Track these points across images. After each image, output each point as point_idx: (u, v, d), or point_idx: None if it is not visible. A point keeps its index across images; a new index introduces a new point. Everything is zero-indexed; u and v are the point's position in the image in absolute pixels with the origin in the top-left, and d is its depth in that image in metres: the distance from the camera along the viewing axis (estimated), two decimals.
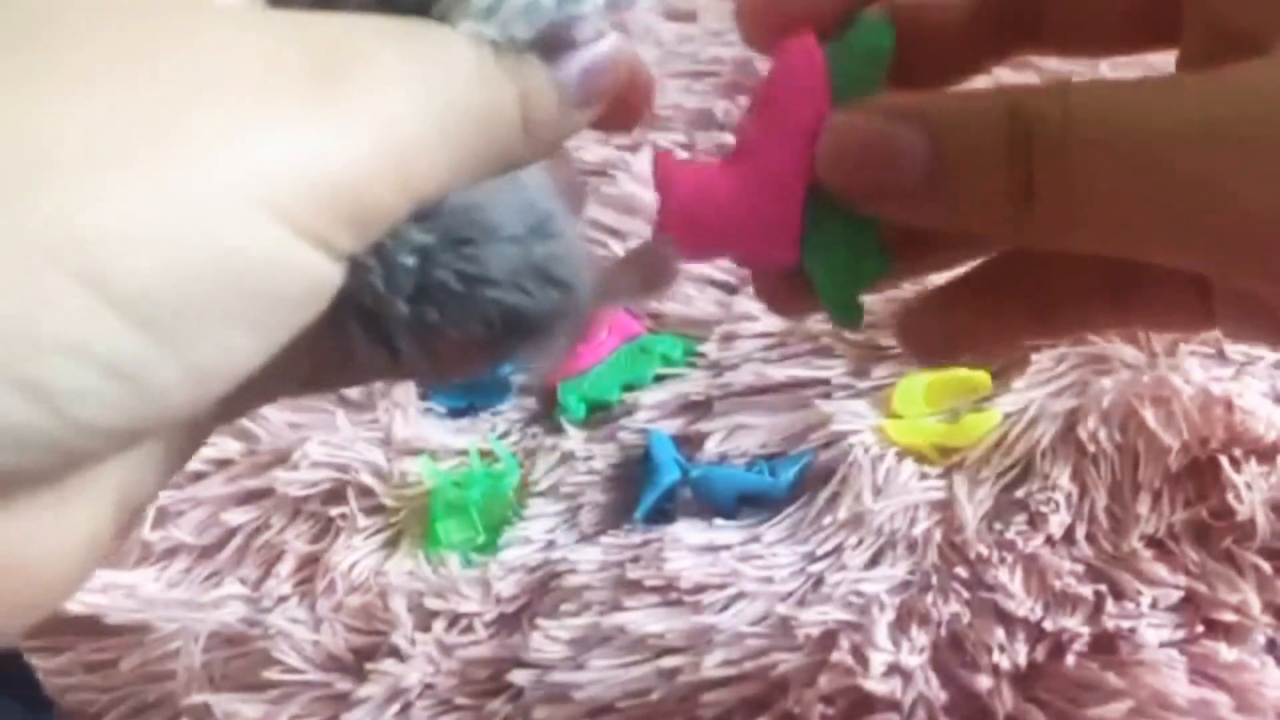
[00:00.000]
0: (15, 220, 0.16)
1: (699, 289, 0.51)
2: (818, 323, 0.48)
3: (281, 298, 0.18)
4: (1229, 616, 0.37)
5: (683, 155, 0.59)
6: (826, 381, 0.47)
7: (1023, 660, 0.37)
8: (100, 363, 0.17)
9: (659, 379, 0.49)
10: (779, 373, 0.47)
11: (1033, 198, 0.21)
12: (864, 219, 0.25)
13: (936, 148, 0.22)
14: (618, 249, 0.53)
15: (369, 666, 0.41)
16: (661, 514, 0.44)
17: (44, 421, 0.17)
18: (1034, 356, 0.44)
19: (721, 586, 0.40)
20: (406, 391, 0.51)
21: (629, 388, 0.49)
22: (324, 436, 0.48)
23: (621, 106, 0.23)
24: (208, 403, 0.18)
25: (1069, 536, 0.39)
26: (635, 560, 0.42)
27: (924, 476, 0.42)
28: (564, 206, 0.25)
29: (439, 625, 0.42)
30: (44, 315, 0.16)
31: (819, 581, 0.40)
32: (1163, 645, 0.36)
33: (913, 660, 0.37)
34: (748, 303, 0.50)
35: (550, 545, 0.45)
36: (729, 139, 0.58)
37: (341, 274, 0.19)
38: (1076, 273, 0.27)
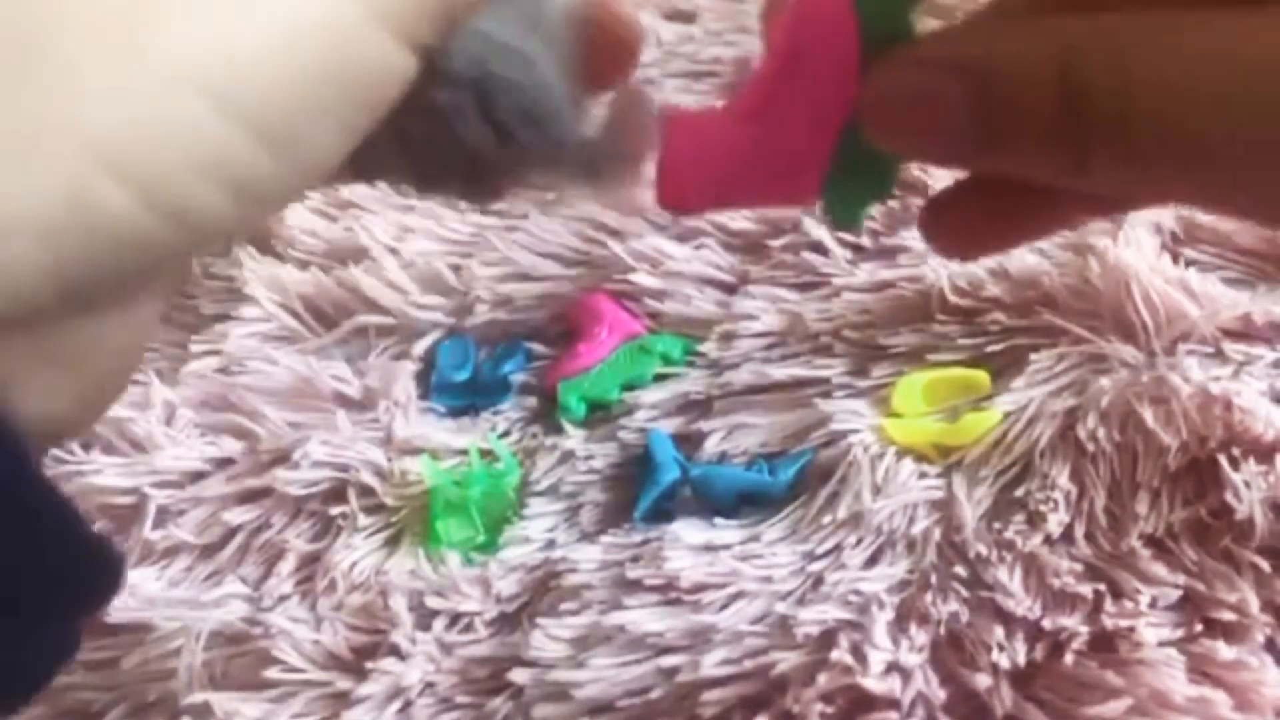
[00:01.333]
0: (140, 50, 0.18)
1: (699, 289, 0.52)
2: (817, 322, 0.48)
3: (372, 93, 0.20)
4: (1228, 615, 0.37)
5: None
6: (826, 381, 0.47)
7: (1022, 659, 0.37)
8: (225, 176, 0.19)
9: (659, 378, 0.49)
10: (779, 372, 0.47)
11: (1088, 161, 0.21)
12: (891, 160, 0.25)
13: (984, 103, 0.21)
14: (618, 249, 0.53)
15: (369, 665, 0.42)
16: (661, 513, 0.44)
17: (168, 234, 0.19)
18: (1033, 356, 0.44)
19: (721, 586, 0.41)
20: (407, 392, 0.51)
21: (629, 387, 0.49)
22: (324, 436, 0.49)
23: (606, 54, 0.24)
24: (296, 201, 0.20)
25: (1068, 535, 0.40)
26: (635, 559, 0.42)
27: (923, 475, 0.42)
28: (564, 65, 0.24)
29: (439, 624, 0.42)
30: (176, 135, 0.18)
31: (818, 580, 0.40)
32: (1162, 644, 0.36)
33: (912, 659, 0.37)
34: (748, 302, 0.50)
35: (550, 544, 0.45)
36: None
37: (415, 67, 0.21)
38: None
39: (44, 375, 0.20)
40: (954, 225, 0.27)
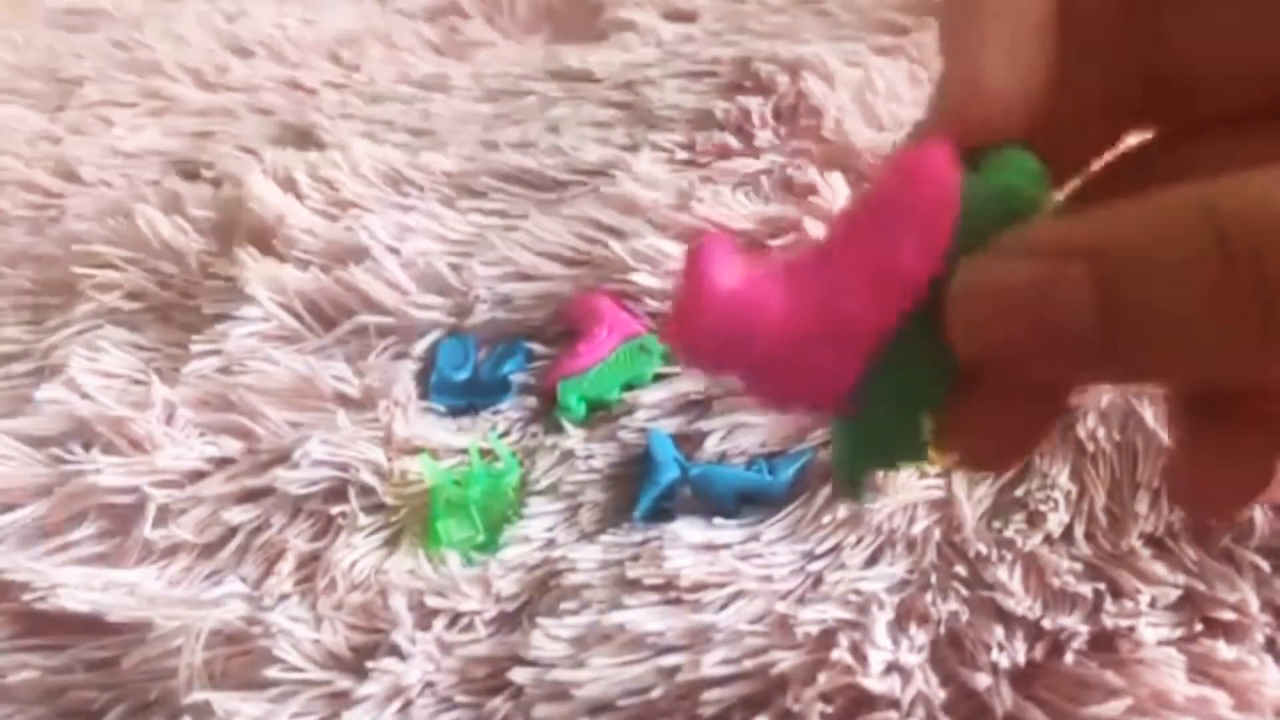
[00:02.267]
0: None
1: None
2: None
3: None
4: (1228, 615, 0.37)
5: (683, 155, 0.59)
6: None
7: (1021, 658, 0.37)
8: None
9: (659, 378, 0.49)
10: None
11: (1270, 334, 0.16)
12: (923, 402, 0.21)
13: (1108, 292, 0.17)
14: (618, 249, 0.53)
15: (369, 665, 0.41)
16: (661, 512, 0.44)
17: None
18: None
19: (721, 585, 0.41)
20: (407, 392, 0.51)
21: (629, 387, 0.49)
22: (324, 435, 0.49)
23: None
24: None
25: (1068, 535, 0.40)
26: (635, 559, 0.42)
27: (923, 475, 0.42)
28: None
29: (439, 624, 0.42)
30: None
31: (818, 580, 0.40)
32: (1161, 643, 0.36)
33: (912, 658, 0.37)
34: None
35: (550, 544, 0.45)
36: (729, 139, 0.58)
37: None
38: None
39: None
40: (978, 429, 0.22)
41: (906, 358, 0.20)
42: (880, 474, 0.23)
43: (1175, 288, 0.16)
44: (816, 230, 0.52)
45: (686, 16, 0.70)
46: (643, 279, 0.52)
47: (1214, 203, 0.16)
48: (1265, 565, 0.38)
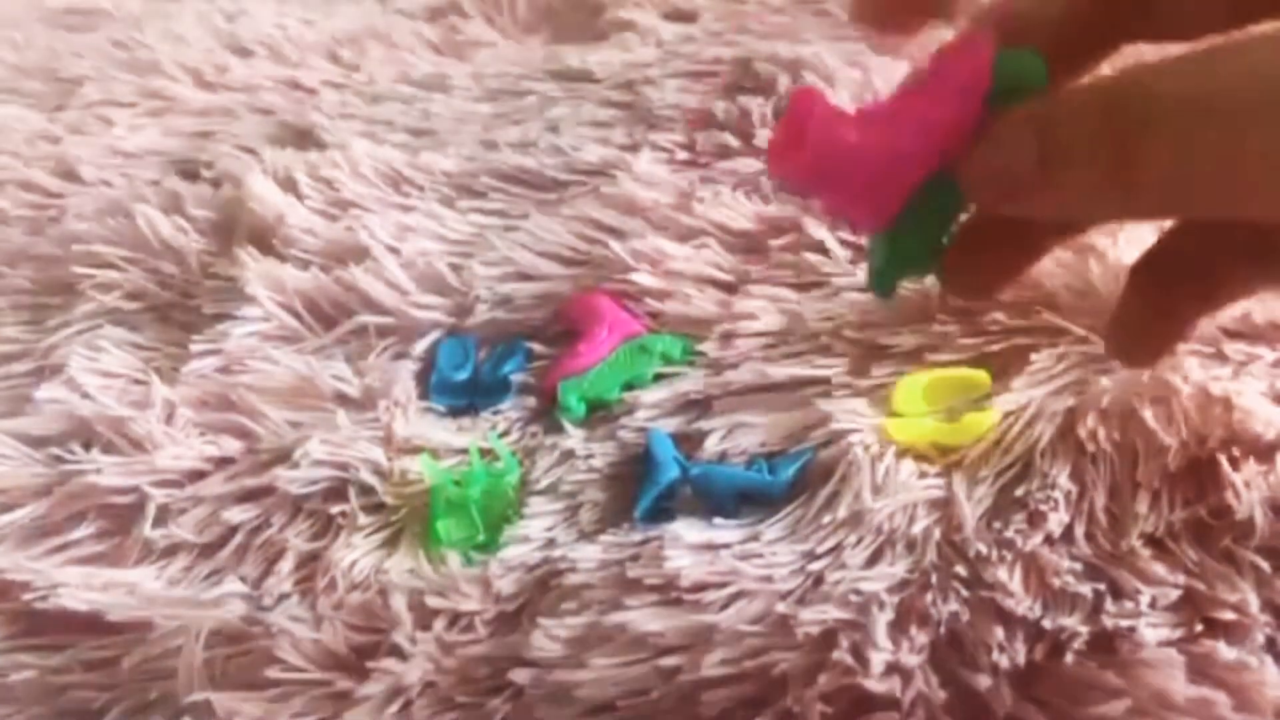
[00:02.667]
0: None
1: (699, 289, 0.52)
2: (817, 322, 0.48)
3: None
4: (1228, 615, 0.37)
5: (683, 155, 0.59)
6: (826, 380, 0.47)
7: (1022, 659, 0.37)
8: None
9: (659, 378, 0.49)
10: (779, 372, 0.47)
11: (1133, 182, 0.24)
12: (942, 229, 0.28)
13: (1042, 145, 0.25)
14: (618, 249, 0.53)
15: (369, 665, 0.41)
16: (661, 512, 0.44)
17: None
18: (1033, 356, 0.44)
19: (721, 585, 0.41)
20: (407, 391, 0.51)
21: (629, 387, 0.49)
22: (324, 435, 0.49)
23: None
24: None
25: (1068, 535, 0.40)
26: (635, 559, 0.42)
27: (923, 475, 0.42)
28: None
29: (439, 624, 0.42)
30: None
31: (818, 580, 0.40)
32: (1162, 644, 0.36)
33: (912, 659, 0.37)
34: (748, 302, 0.50)
35: (550, 544, 0.45)
36: (729, 139, 0.58)
37: None
38: (1231, 250, 0.30)
39: None
40: (972, 266, 0.31)
41: (937, 193, 0.27)
42: (903, 280, 0.31)
43: (1078, 148, 0.24)
44: (816, 230, 0.52)
45: (686, 16, 0.70)
46: (643, 279, 0.52)
47: (1109, 96, 0.24)
48: (1265, 565, 0.38)
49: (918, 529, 0.41)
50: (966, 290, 0.33)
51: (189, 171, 0.66)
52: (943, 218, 0.29)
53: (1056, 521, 0.40)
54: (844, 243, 0.51)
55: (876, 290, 0.31)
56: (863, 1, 0.29)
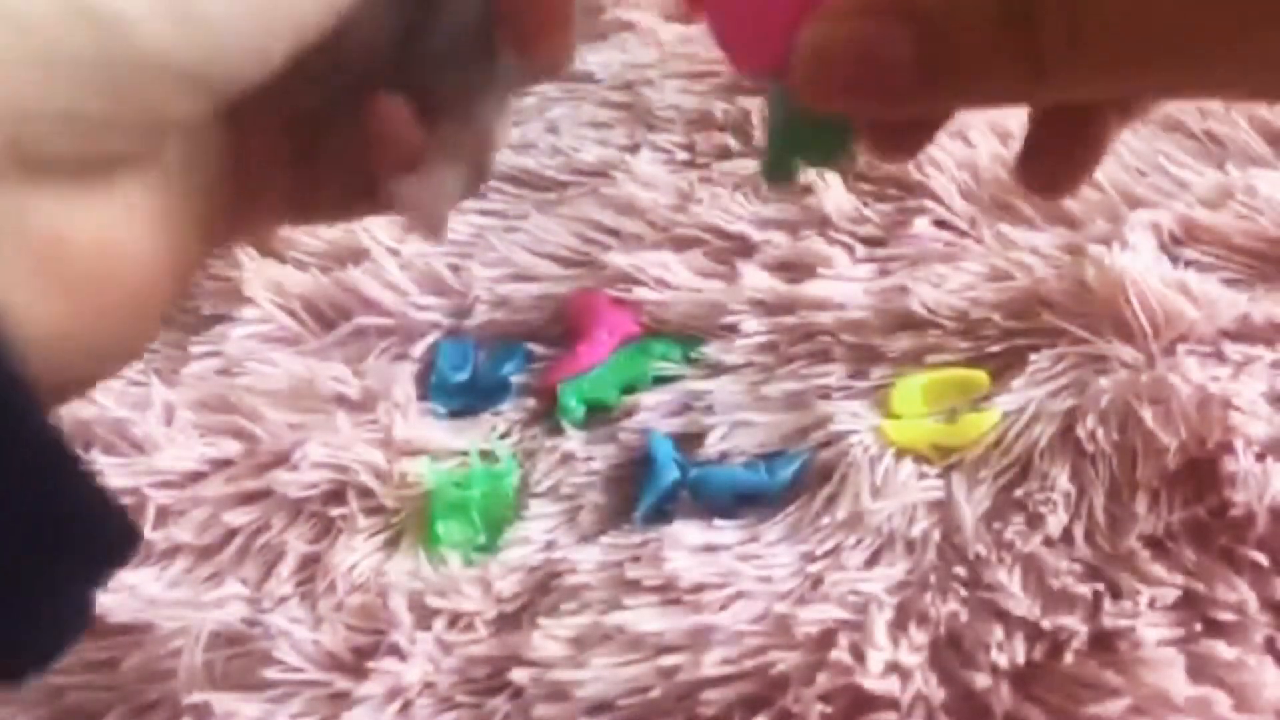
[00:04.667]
0: None
1: (698, 291, 0.52)
2: (816, 323, 0.48)
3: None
4: (1227, 615, 0.37)
5: (682, 156, 0.59)
6: (825, 382, 0.47)
7: (1021, 659, 0.37)
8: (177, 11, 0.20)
9: (659, 379, 0.49)
10: (778, 373, 0.47)
11: (1045, 77, 0.21)
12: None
13: (931, 44, 0.21)
14: (618, 250, 0.53)
15: (369, 665, 0.41)
16: (661, 514, 0.44)
17: (118, 77, 0.19)
18: (1032, 357, 0.44)
19: (720, 586, 0.41)
20: (406, 393, 0.51)
21: (628, 389, 0.49)
22: (324, 437, 0.49)
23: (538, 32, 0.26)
24: (265, 72, 0.21)
25: (1067, 536, 0.40)
26: (635, 560, 0.42)
27: (922, 476, 0.42)
28: None
29: (439, 624, 0.42)
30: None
31: (818, 581, 0.40)
32: (1161, 644, 0.36)
33: (911, 659, 0.37)
34: (746, 304, 0.50)
35: (550, 545, 0.45)
36: (729, 140, 0.58)
37: None
38: None
39: (18, 265, 0.19)
40: (1046, 167, 0.28)
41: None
42: (802, 160, 0.25)
43: (969, 39, 0.21)
44: (818, 232, 0.52)
45: (687, 17, 0.70)
46: (642, 281, 0.52)
47: None
48: (1265, 565, 0.38)
49: (917, 530, 0.41)
50: (1045, 191, 0.30)
51: None
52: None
53: (1056, 522, 0.40)
54: (844, 245, 0.51)
55: (769, 172, 0.26)
56: None
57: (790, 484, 0.44)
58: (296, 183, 0.27)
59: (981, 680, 0.36)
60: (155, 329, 0.23)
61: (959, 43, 0.21)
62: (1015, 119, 0.50)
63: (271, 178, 0.26)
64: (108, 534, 0.21)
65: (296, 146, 0.27)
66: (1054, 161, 0.28)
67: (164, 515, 0.48)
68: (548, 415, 0.50)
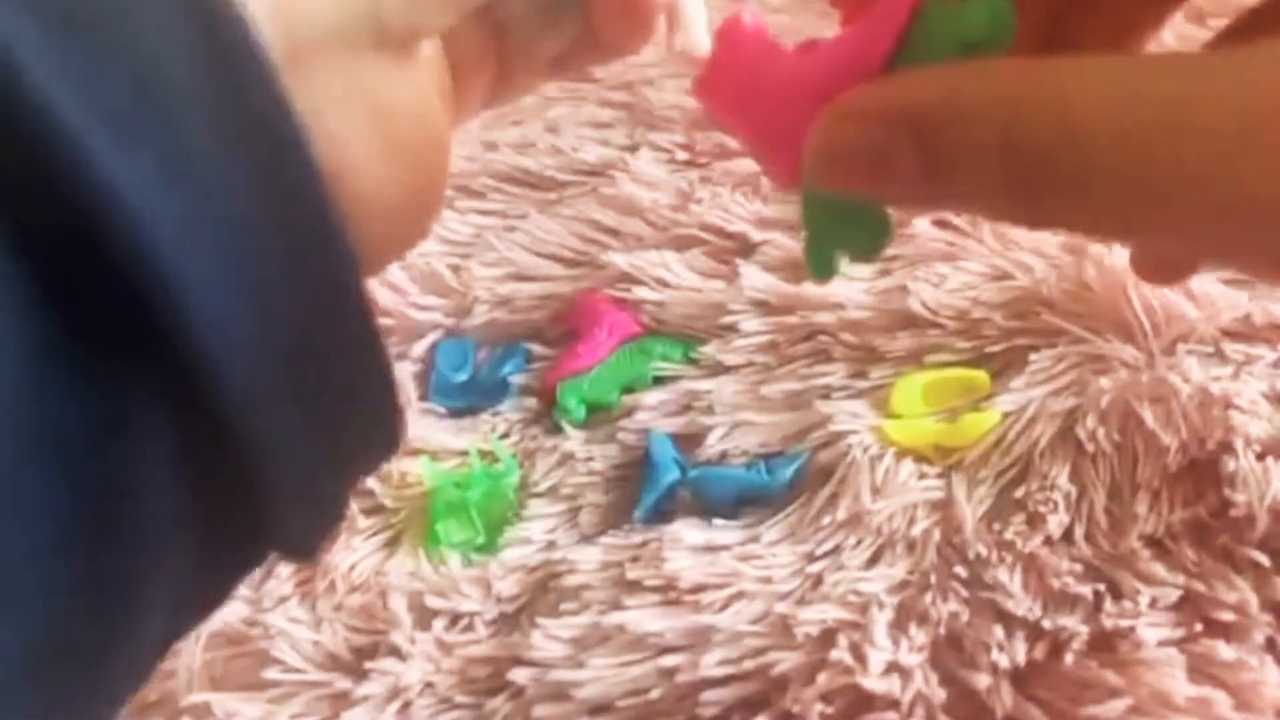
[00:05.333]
0: None
1: (698, 291, 0.52)
2: (816, 323, 0.48)
3: None
4: (1228, 615, 0.37)
5: (682, 155, 0.59)
6: (825, 382, 0.47)
7: (1021, 659, 0.37)
8: None
9: (659, 379, 0.49)
10: (778, 373, 0.47)
11: (1044, 211, 0.21)
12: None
13: (933, 158, 0.21)
14: (618, 250, 0.53)
15: (369, 665, 0.41)
16: (661, 514, 0.44)
17: None
18: (1032, 356, 0.44)
19: (721, 586, 0.41)
20: (406, 393, 0.51)
21: (628, 389, 0.49)
22: None
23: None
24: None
25: (1068, 536, 0.40)
26: (635, 560, 0.42)
27: (923, 476, 0.42)
28: None
29: (439, 624, 0.42)
30: None
31: (818, 581, 0.40)
32: (1161, 644, 0.36)
33: (911, 659, 0.37)
34: (746, 303, 0.50)
35: (550, 545, 0.45)
36: (729, 140, 0.58)
37: None
38: None
39: (360, 127, 0.21)
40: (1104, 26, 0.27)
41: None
42: (843, 254, 0.25)
43: (972, 167, 0.21)
44: None
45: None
46: (642, 280, 0.52)
47: (1013, 94, 0.20)
48: (1266, 565, 0.38)
49: (917, 530, 0.41)
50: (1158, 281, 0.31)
51: None
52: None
53: (1056, 522, 0.40)
54: None
55: (814, 267, 0.26)
56: None
57: (790, 484, 0.44)
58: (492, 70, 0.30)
59: (982, 680, 0.36)
60: (442, 204, 0.25)
61: (959, 160, 0.21)
62: None
63: (480, 62, 0.29)
64: (395, 426, 0.23)
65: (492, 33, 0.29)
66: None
67: None
68: (548, 415, 0.50)
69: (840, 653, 0.37)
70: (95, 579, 0.19)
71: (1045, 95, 0.20)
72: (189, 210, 0.18)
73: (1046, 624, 0.37)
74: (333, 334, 0.20)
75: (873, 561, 0.41)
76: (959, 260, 0.49)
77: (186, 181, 0.18)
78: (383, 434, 0.23)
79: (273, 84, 0.19)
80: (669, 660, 0.39)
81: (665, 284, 0.52)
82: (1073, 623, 0.37)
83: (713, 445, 0.46)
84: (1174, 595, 0.37)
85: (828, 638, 0.38)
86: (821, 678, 0.37)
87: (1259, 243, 0.20)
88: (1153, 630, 0.37)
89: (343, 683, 0.42)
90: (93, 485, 0.18)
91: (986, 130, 0.20)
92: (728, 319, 0.50)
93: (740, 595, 0.40)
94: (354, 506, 0.47)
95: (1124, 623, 0.37)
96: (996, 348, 0.45)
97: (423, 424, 0.50)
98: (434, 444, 0.49)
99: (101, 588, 0.19)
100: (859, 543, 0.41)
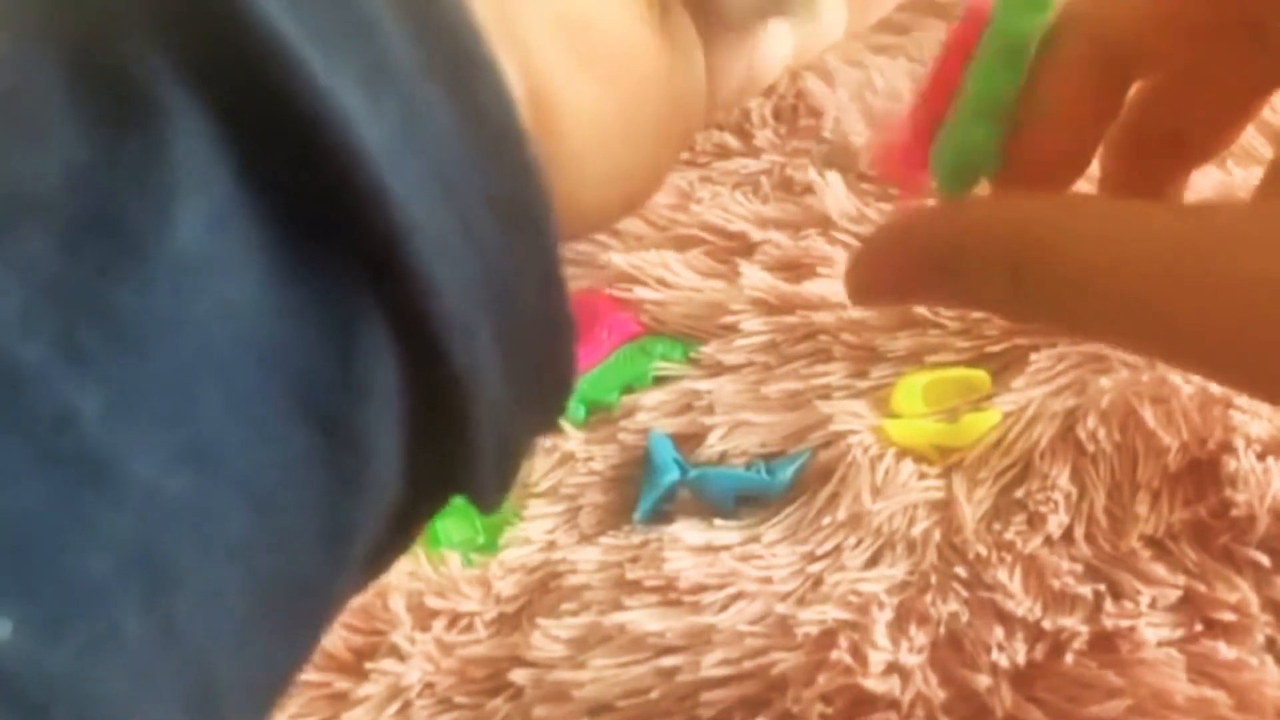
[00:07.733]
0: None
1: (698, 291, 0.52)
2: (816, 323, 0.48)
3: None
4: (1228, 615, 0.37)
5: (682, 155, 0.59)
6: (825, 382, 0.47)
7: (1022, 659, 0.37)
8: None
9: (659, 379, 0.49)
10: (778, 373, 0.47)
11: (1031, 313, 0.24)
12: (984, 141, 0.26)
13: (945, 257, 0.24)
14: (617, 251, 0.53)
15: (368, 665, 0.41)
16: (661, 514, 0.44)
17: None
18: (1033, 356, 0.44)
19: (721, 586, 0.41)
20: None
21: (628, 389, 0.49)
22: None
23: None
24: None
25: (1068, 536, 0.40)
26: (635, 560, 0.42)
27: (923, 476, 0.42)
28: None
29: (439, 624, 0.42)
30: None
31: (818, 581, 0.40)
32: (1162, 644, 0.36)
33: (912, 659, 0.37)
34: (746, 303, 0.50)
35: (550, 545, 0.45)
36: (729, 140, 0.58)
37: None
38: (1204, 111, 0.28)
39: (558, 43, 0.21)
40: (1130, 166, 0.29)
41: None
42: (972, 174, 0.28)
43: (979, 276, 0.23)
44: (815, 231, 0.52)
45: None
46: (642, 281, 0.52)
47: (1020, 232, 0.23)
48: (1266, 565, 0.38)
49: (917, 530, 0.41)
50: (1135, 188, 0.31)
51: None
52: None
53: (1056, 522, 0.40)
54: (845, 245, 0.51)
55: (945, 187, 0.28)
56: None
57: (790, 484, 0.44)
58: None
59: (982, 680, 0.36)
60: (674, 153, 0.25)
61: (968, 277, 0.24)
62: None
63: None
64: (567, 395, 0.23)
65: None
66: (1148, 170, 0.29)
67: None
68: None
69: (840, 653, 0.37)
70: (333, 519, 0.18)
71: (1046, 230, 0.23)
72: (398, 135, 0.18)
73: (1047, 624, 0.37)
74: (528, 271, 0.20)
75: (873, 562, 0.41)
76: None
77: (392, 101, 0.18)
78: (558, 390, 0.23)
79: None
80: (669, 660, 0.39)
81: (665, 284, 0.52)
82: (1073, 623, 0.37)
83: (713, 445, 0.46)
84: (1174, 595, 0.37)
85: (828, 638, 0.38)
86: (821, 678, 0.37)
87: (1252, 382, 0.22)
88: (1153, 630, 0.37)
89: (342, 683, 0.41)
90: (333, 422, 0.18)
91: (996, 264, 0.23)
92: (728, 319, 0.50)
93: (740, 595, 0.40)
94: None
95: (1124, 623, 0.37)
96: (996, 347, 0.45)
97: None
98: None
99: (337, 535, 0.19)
100: (859, 543, 0.41)
